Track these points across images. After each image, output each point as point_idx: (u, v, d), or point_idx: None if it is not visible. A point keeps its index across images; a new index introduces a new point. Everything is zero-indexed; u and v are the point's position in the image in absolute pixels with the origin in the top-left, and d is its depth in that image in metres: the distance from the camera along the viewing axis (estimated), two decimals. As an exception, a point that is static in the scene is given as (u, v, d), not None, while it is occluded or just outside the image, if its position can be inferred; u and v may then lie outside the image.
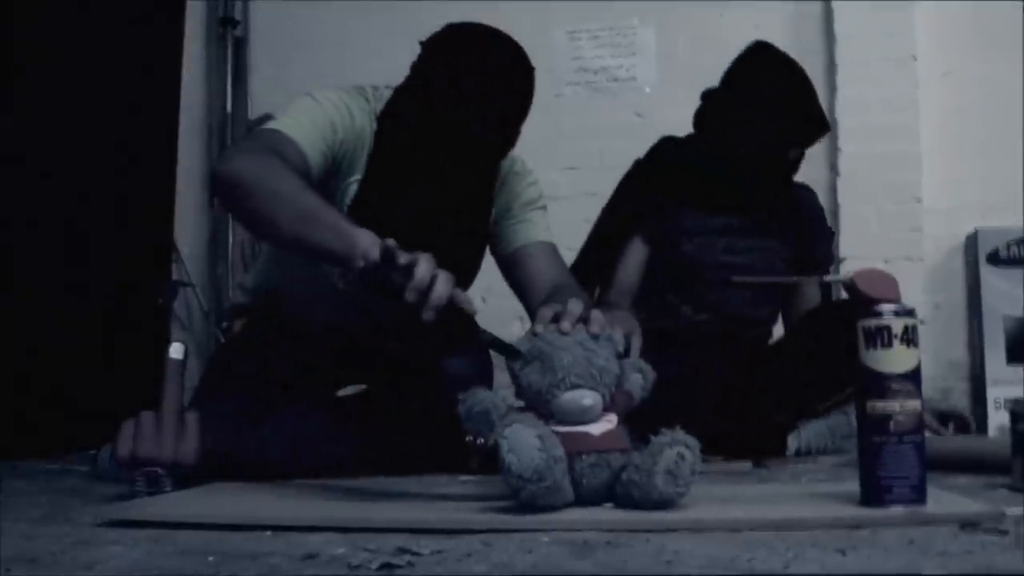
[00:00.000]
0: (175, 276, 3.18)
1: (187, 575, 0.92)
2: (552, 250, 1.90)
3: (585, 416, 1.28)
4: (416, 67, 1.80)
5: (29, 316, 2.42)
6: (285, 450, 1.69)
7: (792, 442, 2.20)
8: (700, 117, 2.27)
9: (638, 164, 2.38)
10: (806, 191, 2.40)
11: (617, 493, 1.24)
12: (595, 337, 1.33)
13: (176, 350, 1.58)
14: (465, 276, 1.83)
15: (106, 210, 2.72)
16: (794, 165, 2.24)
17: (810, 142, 2.20)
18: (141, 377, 2.14)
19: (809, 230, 2.36)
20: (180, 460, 1.51)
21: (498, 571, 0.91)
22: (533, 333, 1.37)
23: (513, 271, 1.89)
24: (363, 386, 1.88)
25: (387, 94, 1.83)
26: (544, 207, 1.96)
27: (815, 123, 2.17)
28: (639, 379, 1.37)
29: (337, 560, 0.96)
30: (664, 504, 1.19)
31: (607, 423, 1.29)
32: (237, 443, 1.64)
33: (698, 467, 1.21)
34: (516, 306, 1.91)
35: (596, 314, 1.37)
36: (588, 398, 1.27)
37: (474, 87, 1.72)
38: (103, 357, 2.62)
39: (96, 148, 2.68)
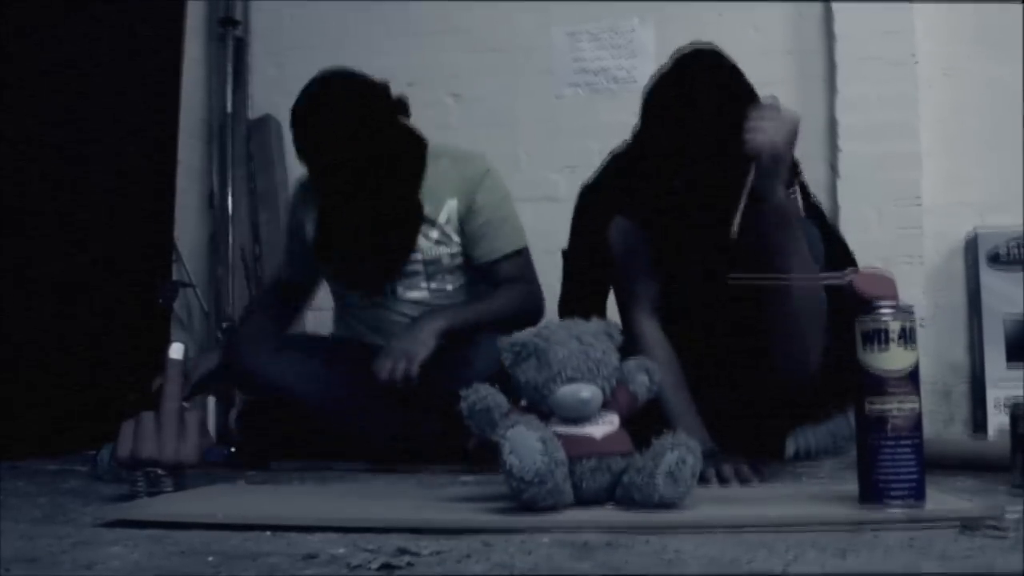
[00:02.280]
0: (175, 276, 3.18)
1: (187, 575, 0.92)
2: (512, 260, 2.29)
3: (584, 409, 1.27)
4: None
5: (29, 316, 2.42)
6: (301, 380, 2.15)
7: (790, 445, 2.20)
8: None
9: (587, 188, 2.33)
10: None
11: (618, 495, 1.24)
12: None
13: (176, 350, 1.58)
14: (397, 268, 2.25)
15: (106, 210, 2.72)
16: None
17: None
18: (141, 377, 2.13)
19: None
20: (180, 460, 1.51)
21: (498, 571, 0.91)
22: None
23: (483, 278, 2.29)
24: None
25: None
26: (508, 211, 2.33)
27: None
28: (645, 379, 1.35)
29: (337, 560, 0.96)
30: (665, 506, 1.19)
31: (608, 424, 1.28)
32: (256, 363, 2.17)
33: (699, 469, 1.21)
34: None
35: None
36: (586, 391, 1.26)
37: (305, 132, 2.15)
38: (103, 357, 2.62)
39: (96, 148, 2.68)
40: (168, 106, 3.16)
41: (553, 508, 1.20)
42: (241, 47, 3.54)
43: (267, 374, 2.17)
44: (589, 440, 1.25)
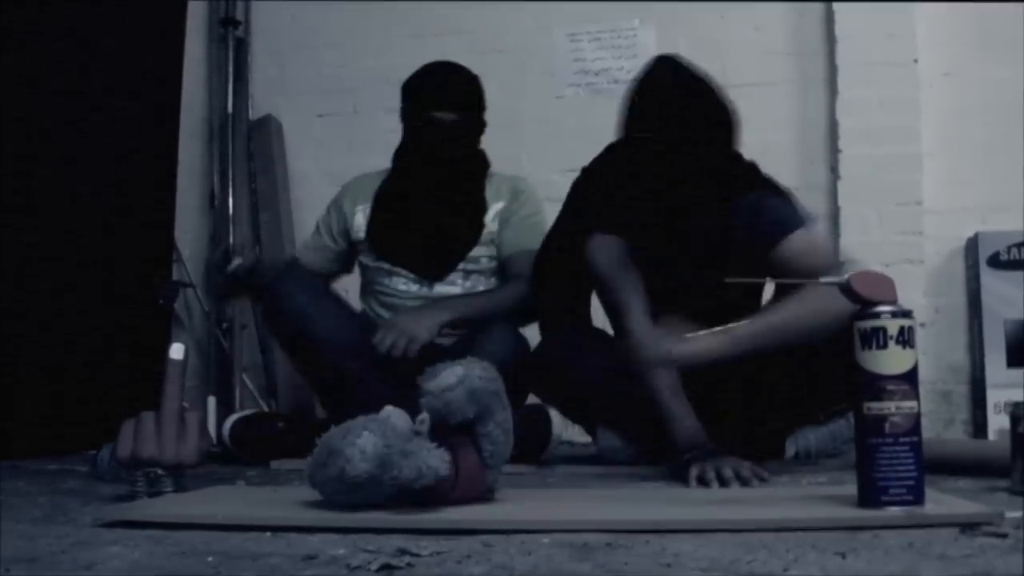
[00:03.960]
0: (175, 276, 3.18)
1: (187, 575, 0.92)
2: (525, 256, 2.33)
3: None
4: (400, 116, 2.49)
5: (29, 316, 2.42)
6: (325, 320, 2.27)
7: (790, 446, 2.20)
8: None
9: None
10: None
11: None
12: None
13: (176, 350, 1.58)
14: (462, 241, 2.41)
15: (106, 210, 2.72)
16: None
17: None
18: (141, 377, 2.14)
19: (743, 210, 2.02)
20: (181, 460, 1.51)
21: (498, 572, 0.91)
22: None
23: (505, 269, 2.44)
24: None
25: None
26: (539, 218, 2.44)
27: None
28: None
29: (337, 561, 0.96)
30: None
31: None
32: (292, 289, 2.28)
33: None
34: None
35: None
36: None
37: (420, 92, 2.38)
38: (103, 357, 2.62)
39: (97, 148, 2.68)
40: (169, 106, 3.16)
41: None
42: (242, 47, 3.54)
43: (297, 303, 2.27)
44: None
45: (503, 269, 2.43)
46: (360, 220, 2.45)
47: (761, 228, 1.94)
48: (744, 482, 1.62)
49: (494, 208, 2.42)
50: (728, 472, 1.63)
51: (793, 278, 1.76)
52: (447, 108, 2.35)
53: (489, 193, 2.44)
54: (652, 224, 2.00)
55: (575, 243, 2.04)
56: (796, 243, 1.84)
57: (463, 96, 2.39)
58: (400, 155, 2.46)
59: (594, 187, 2.11)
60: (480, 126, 2.44)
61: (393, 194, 2.43)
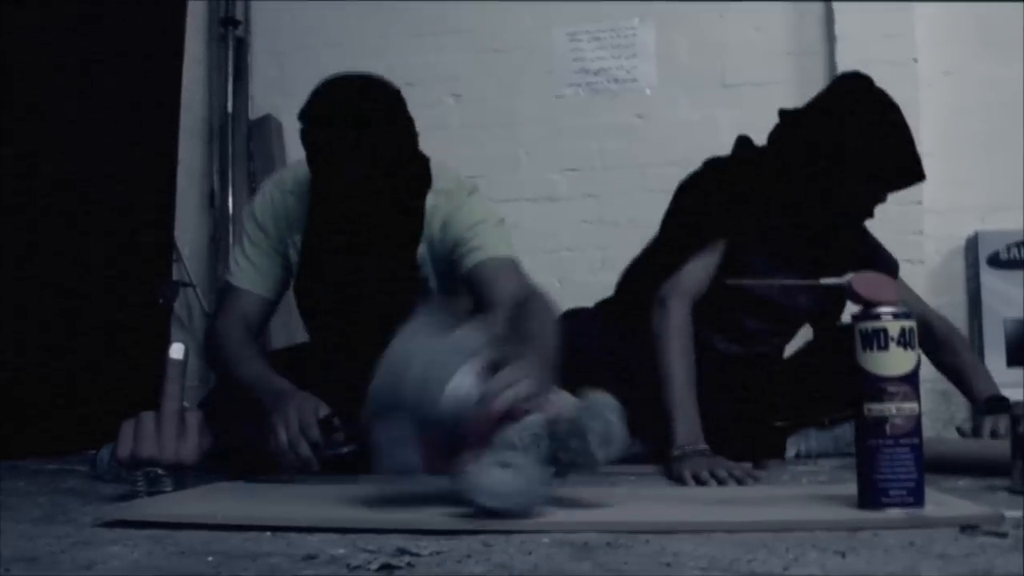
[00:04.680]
0: (175, 276, 3.18)
1: (187, 575, 0.92)
2: (506, 264, 1.84)
3: None
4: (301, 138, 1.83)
5: (29, 316, 2.42)
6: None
7: (791, 447, 2.20)
8: (784, 148, 2.05)
9: (716, 170, 2.15)
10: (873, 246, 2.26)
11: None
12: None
13: (176, 350, 1.58)
14: (399, 309, 1.71)
15: (106, 210, 2.72)
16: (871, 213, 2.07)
17: (898, 188, 2.02)
18: (141, 377, 2.14)
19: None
20: (180, 460, 1.51)
21: (498, 572, 0.91)
22: None
23: (473, 292, 1.85)
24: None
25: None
26: (495, 222, 1.90)
27: (910, 175, 1.98)
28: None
29: (337, 561, 0.96)
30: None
31: None
32: (235, 433, 1.73)
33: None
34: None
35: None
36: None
37: (329, 137, 1.75)
38: (103, 357, 2.62)
39: (97, 148, 2.68)
40: (169, 106, 3.16)
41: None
42: (242, 47, 3.54)
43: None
44: None
45: (469, 285, 1.86)
46: (298, 244, 1.93)
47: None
48: (740, 480, 1.62)
49: (430, 229, 1.89)
50: (722, 472, 1.63)
51: None
52: (358, 161, 1.73)
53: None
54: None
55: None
56: None
57: (380, 136, 1.75)
58: (312, 203, 1.89)
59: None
60: (402, 156, 1.80)
61: (314, 255, 1.90)
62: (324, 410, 1.62)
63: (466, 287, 1.88)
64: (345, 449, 1.52)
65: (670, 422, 1.80)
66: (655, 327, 1.92)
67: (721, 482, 1.61)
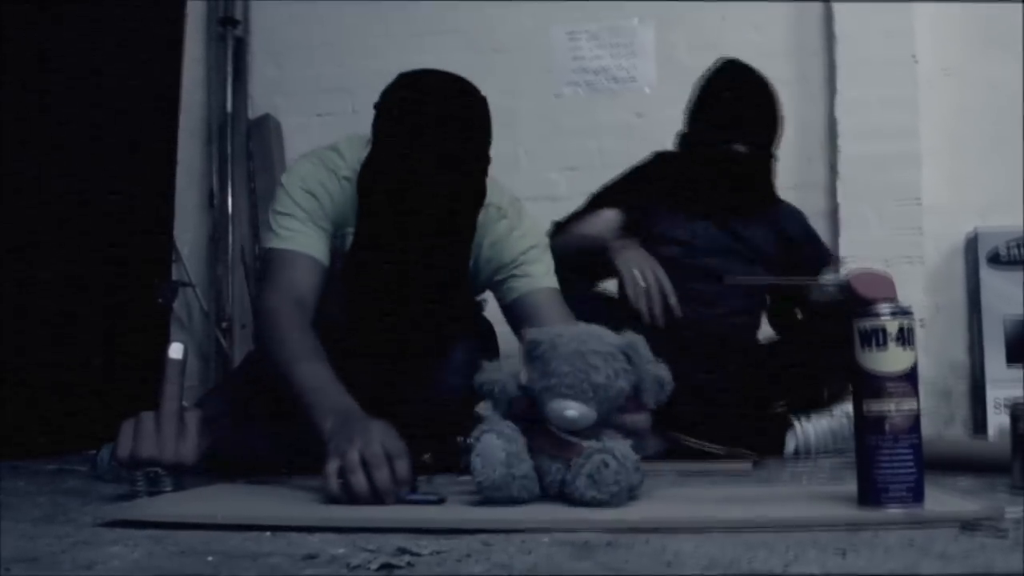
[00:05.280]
0: (175, 276, 3.18)
1: (187, 575, 0.92)
2: (552, 295, 1.84)
3: (571, 427, 1.31)
4: (373, 127, 1.77)
5: (29, 316, 2.42)
6: (272, 447, 1.74)
7: (790, 441, 2.20)
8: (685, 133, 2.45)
9: (626, 175, 2.54)
10: (793, 210, 2.52)
11: (566, 493, 1.31)
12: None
13: (176, 350, 1.58)
14: (445, 321, 1.85)
15: (106, 210, 2.72)
16: (765, 170, 2.40)
17: (762, 141, 2.36)
18: (141, 377, 2.14)
19: (796, 249, 2.41)
20: (180, 460, 1.51)
21: (498, 571, 0.91)
22: None
23: (515, 322, 1.83)
24: None
25: (358, 142, 1.83)
26: (543, 247, 1.89)
27: (756, 124, 2.35)
28: (655, 391, 1.35)
29: (337, 560, 0.96)
30: (589, 505, 1.26)
31: (606, 437, 1.32)
32: (230, 439, 1.69)
33: (623, 477, 1.26)
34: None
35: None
36: (572, 410, 1.29)
37: (417, 133, 1.68)
38: (103, 357, 2.62)
39: (96, 148, 2.68)
40: (168, 106, 3.16)
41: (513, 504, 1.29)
42: (241, 47, 3.54)
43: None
44: (576, 447, 1.30)
45: (511, 312, 1.85)
46: (348, 240, 1.83)
47: (819, 247, 2.53)
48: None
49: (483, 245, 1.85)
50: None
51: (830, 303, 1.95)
52: (442, 168, 1.67)
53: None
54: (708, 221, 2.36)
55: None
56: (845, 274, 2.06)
57: (469, 145, 1.71)
58: (371, 193, 1.76)
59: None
60: (484, 174, 1.78)
61: (365, 235, 1.78)
62: (400, 444, 1.34)
63: (508, 313, 1.86)
64: (435, 498, 1.31)
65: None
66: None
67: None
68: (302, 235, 1.75)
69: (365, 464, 1.29)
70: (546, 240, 1.92)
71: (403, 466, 1.31)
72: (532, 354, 1.34)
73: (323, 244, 1.77)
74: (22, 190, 2.42)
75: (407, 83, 1.74)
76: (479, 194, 1.78)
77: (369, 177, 1.76)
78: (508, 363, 1.45)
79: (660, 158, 2.50)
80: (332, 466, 1.31)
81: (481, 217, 1.82)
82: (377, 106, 1.75)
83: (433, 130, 1.66)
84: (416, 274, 1.77)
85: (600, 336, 1.34)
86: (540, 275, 1.84)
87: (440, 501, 1.31)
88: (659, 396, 1.35)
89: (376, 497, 1.28)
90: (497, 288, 1.87)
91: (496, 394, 1.36)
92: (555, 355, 1.31)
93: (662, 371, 1.36)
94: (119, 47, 2.78)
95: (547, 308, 1.79)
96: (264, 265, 1.86)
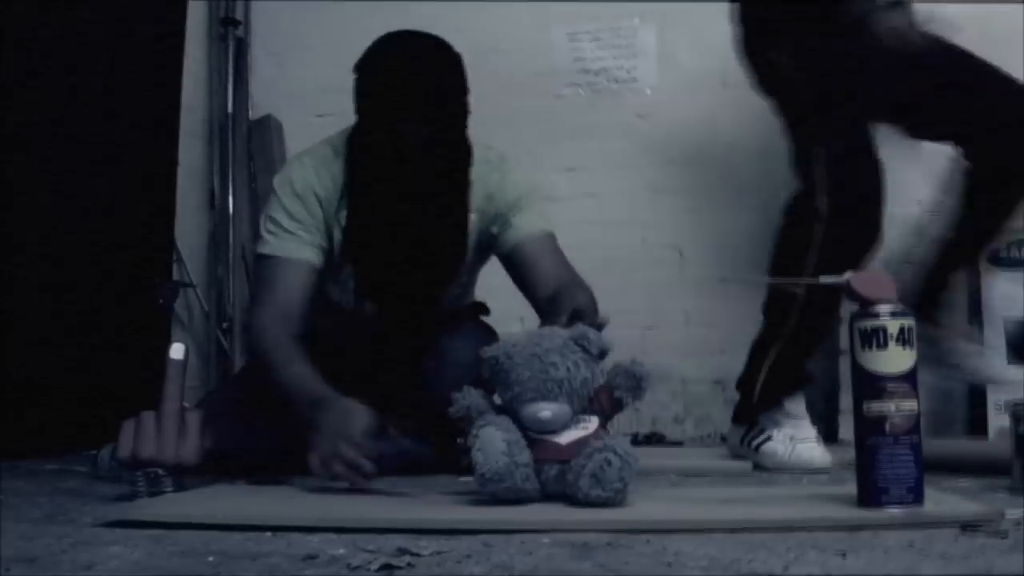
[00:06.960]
0: (175, 276, 3.18)
1: (187, 575, 0.92)
2: (548, 240, 1.89)
3: (548, 428, 1.32)
4: (354, 91, 1.86)
5: (29, 316, 2.42)
6: (276, 447, 1.74)
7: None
8: None
9: None
10: None
11: (568, 493, 1.31)
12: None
13: (176, 350, 1.58)
14: (446, 276, 1.92)
15: (106, 210, 2.72)
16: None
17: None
18: (141, 377, 2.13)
19: None
20: (181, 460, 1.51)
21: (498, 572, 0.91)
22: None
23: (513, 270, 1.90)
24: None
25: (350, 130, 1.92)
26: (535, 196, 1.95)
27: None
28: (629, 385, 1.37)
29: (337, 561, 0.96)
30: (594, 505, 1.26)
31: (582, 430, 1.33)
32: (232, 438, 1.72)
33: (627, 474, 1.26)
34: (516, 308, 1.91)
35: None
36: (546, 411, 1.32)
37: (390, 91, 1.77)
38: (103, 358, 2.62)
39: (96, 148, 2.68)
40: (168, 106, 3.16)
41: (517, 502, 1.29)
42: (242, 47, 3.54)
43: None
44: (554, 447, 1.32)
45: (509, 261, 1.89)
46: (343, 216, 1.85)
47: None
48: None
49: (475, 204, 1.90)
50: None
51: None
52: (421, 120, 1.73)
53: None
54: None
55: None
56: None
57: (445, 96, 1.78)
58: (359, 162, 1.84)
59: None
60: (465, 124, 1.84)
61: (359, 204, 1.83)
62: (367, 418, 1.51)
63: (506, 262, 1.91)
64: (409, 446, 1.48)
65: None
66: None
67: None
68: (291, 240, 1.81)
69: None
70: (538, 188, 1.98)
71: (355, 449, 1.46)
72: (494, 370, 1.37)
73: (314, 245, 1.83)
74: (22, 190, 2.42)
75: (382, 43, 1.89)
76: (463, 143, 1.85)
77: (357, 141, 1.85)
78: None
79: None
80: (313, 460, 1.49)
81: (473, 174, 1.87)
82: (356, 67, 1.85)
83: (410, 81, 1.76)
84: (416, 232, 1.82)
85: (550, 335, 1.37)
86: (531, 222, 1.88)
87: (419, 451, 1.49)
88: (635, 392, 1.37)
89: (355, 473, 1.46)
90: (495, 242, 1.91)
91: (474, 416, 1.37)
92: (513, 364, 1.34)
93: (638, 367, 1.38)
94: (120, 47, 2.78)
95: (541, 256, 1.85)
96: (255, 269, 1.96)
